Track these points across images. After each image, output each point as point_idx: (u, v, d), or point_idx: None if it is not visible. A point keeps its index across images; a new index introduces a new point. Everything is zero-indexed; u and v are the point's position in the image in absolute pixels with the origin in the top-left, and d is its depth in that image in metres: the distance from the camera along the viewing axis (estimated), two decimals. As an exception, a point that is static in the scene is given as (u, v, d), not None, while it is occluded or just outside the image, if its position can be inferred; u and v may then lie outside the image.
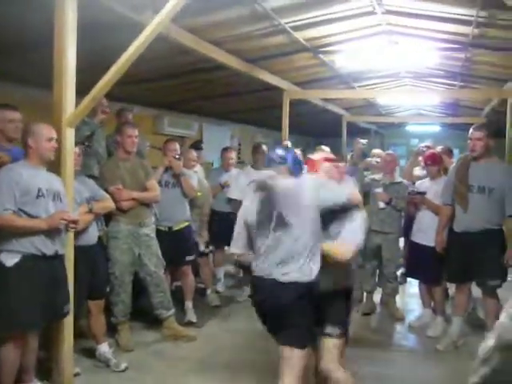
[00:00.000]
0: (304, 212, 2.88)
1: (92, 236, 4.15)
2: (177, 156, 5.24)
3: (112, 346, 4.42)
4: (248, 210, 3.12)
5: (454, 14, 4.93)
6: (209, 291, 6.03)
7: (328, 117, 11.23)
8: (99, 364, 4.23)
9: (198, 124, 9.73)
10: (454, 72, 7.73)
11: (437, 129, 15.07)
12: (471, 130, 4.65)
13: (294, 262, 2.84)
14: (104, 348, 4.29)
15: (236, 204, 6.03)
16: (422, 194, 5.18)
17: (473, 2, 4.39)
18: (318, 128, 13.50)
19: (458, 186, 4.61)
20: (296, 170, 3.15)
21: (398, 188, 5.55)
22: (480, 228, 4.47)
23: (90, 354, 4.34)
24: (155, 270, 4.76)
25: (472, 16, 4.80)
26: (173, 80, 6.60)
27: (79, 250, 3.82)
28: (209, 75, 6.54)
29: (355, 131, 12.08)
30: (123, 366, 4.19)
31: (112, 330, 4.68)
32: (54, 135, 3.43)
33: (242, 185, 5.98)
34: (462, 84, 8.49)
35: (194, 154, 5.94)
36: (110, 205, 4.32)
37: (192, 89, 7.34)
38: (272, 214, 2.91)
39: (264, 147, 6.20)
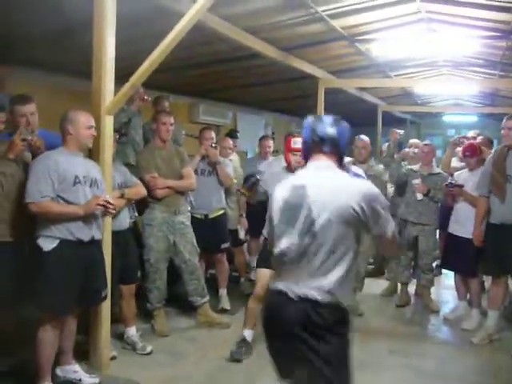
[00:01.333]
0: None
1: (123, 221, 4.23)
2: (213, 144, 5.26)
3: (140, 331, 4.48)
4: None
5: (496, 0, 4.82)
6: (242, 279, 6.08)
7: (363, 106, 11.10)
8: (128, 347, 4.32)
9: (233, 113, 9.74)
10: (493, 61, 7.55)
11: (474, 119, 14.76)
12: (504, 120, 4.56)
13: None
14: (132, 331, 4.37)
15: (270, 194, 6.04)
16: (460, 186, 5.10)
17: (516, -12, 4.28)
18: (353, 117, 13.34)
19: (495, 177, 4.52)
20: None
21: (436, 179, 5.48)
22: None
23: (122, 337, 4.43)
24: (190, 257, 4.81)
25: (513, 3, 4.69)
26: (208, 68, 6.61)
27: (111, 235, 3.88)
28: (244, 64, 6.53)
29: (391, 121, 11.93)
30: (149, 349, 4.27)
31: (148, 315, 4.77)
32: (93, 123, 3.49)
33: (275, 174, 5.98)
34: (501, 73, 8.29)
35: (230, 142, 5.96)
36: (141, 191, 4.36)
37: (227, 77, 7.35)
38: None
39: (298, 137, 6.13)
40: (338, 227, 2.15)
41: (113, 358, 4.02)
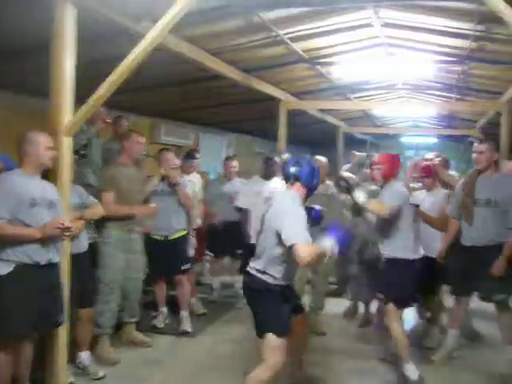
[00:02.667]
0: None
1: (82, 244, 4.14)
2: (174, 166, 5.25)
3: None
4: None
5: (452, 27, 4.98)
6: (193, 300, 5.99)
7: (324, 127, 11.26)
8: (78, 372, 4.19)
9: (195, 133, 9.75)
10: (450, 84, 7.78)
11: (433, 140, 15.10)
12: (475, 144, 4.66)
13: None
14: (84, 356, 4.26)
15: (243, 213, 6.00)
16: (416, 205, 5.17)
17: (470, 16, 4.43)
18: (314, 138, 13.55)
19: (464, 200, 4.59)
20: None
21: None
22: (487, 242, 4.40)
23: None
24: (136, 276, 4.83)
25: (469, 30, 4.85)
26: (170, 89, 6.62)
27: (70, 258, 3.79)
28: (206, 85, 6.57)
29: (351, 142, 12.11)
30: (101, 373, 4.17)
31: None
32: (52, 144, 3.43)
33: (249, 194, 5.95)
34: (458, 96, 8.55)
35: (194, 164, 5.95)
36: (100, 211, 4.28)
37: (189, 98, 7.37)
38: None
39: (276, 159, 6.11)
40: (268, 232, 3.39)
41: (70, 384, 3.91)
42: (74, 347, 4.22)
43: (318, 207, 3.74)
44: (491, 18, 4.14)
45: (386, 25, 5.33)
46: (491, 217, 4.40)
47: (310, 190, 3.53)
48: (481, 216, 4.44)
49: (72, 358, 4.22)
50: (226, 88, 6.76)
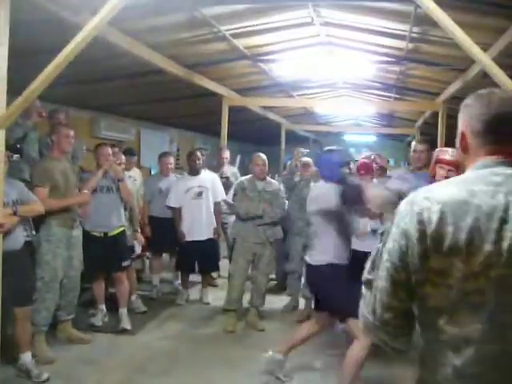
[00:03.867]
0: None
1: (17, 240, 3.99)
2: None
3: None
4: None
5: (390, 28, 5.10)
6: (133, 297, 5.91)
7: (267, 124, 11.33)
8: (21, 374, 4.06)
9: (136, 128, 9.61)
10: (389, 84, 7.98)
11: (373, 139, 15.46)
12: (414, 143, 4.80)
13: None
14: (26, 358, 4.12)
15: (175, 212, 6.00)
16: None
17: (407, 17, 4.55)
18: (257, 135, 13.60)
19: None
20: None
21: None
22: None
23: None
24: (75, 273, 4.74)
25: (406, 31, 4.98)
26: (111, 83, 6.50)
27: (4, 256, 3.66)
28: (147, 79, 6.48)
29: (294, 139, 12.24)
30: (45, 376, 4.04)
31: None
32: None
33: (179, 192, 5.97)
34: (396, 96, 8.77)
35: (123, 158, 5.86)
36: (37, 208, 4.14)
37: (130, 92, 7.25)
38: None
39: (198, 153, 6.15)
40: None
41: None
42: (13, 348, 4.11)
43: None
44: (427, 21, 4.27)
45: (327, 24, 5.41)
46: None
47: None
48: None
49: (12, 360, 4.13)
50: (168, 83, 6.69)
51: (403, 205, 1.40)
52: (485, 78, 4.97)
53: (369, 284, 1.46)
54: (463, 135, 1.46)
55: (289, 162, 7.77)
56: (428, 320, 1.36)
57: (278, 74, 7.15)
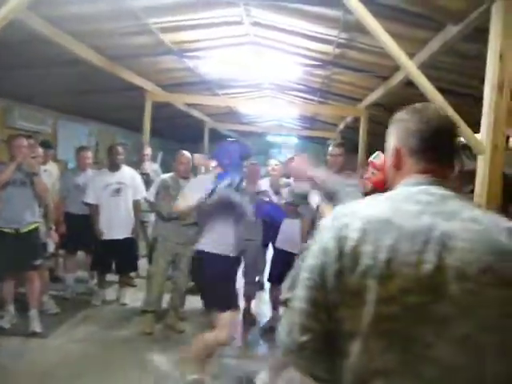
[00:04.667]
0: None
1: None
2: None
3: None
4: None
5: (318, 32, 5.13)
6: (45, 298, 5.63)
7: (191, 122, 11.21)
8: None
9: (54, 120, 9.20)
10: (313, 88, 8.07)
11: (295, 140, 15.67)
12: (331, 147, 4.82)
13: None
14: None
15: (92, 208, 5.77)
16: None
17: (336, 23, 4.58)
18: (180, 132, 13.42)
19: None
20: None
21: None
22: None
23: None
24: None
25: (334, 36, 5.02)
26: (27, 70, 6.16)
27: None
28: (67, 69, 6.20)
29: (217, 138, 12.17)
30: None
31: None
32: None
33: (97, 188, 5.74)
34: (320, 99, 8.89)
35: (39, 150, 5.58)
36: None
37: (49, 82, 6.91)
38: None
39: (119, 149, 5.94)
40: None
41: None
42: None
43: None
44: (354, 27, 4.32)
45: (256, 24, 5.38)
46: None
47: None
48: None
49: None
50: (90, 75, 6.42)
51: (327, 220, 1.32)
52: (407, 86, 5.13)
53: (287, 303, 1.37)
54: (397, 151, 1.38)
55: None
56: (343, 346, 1.24)
57: (204, 71, 7.06)
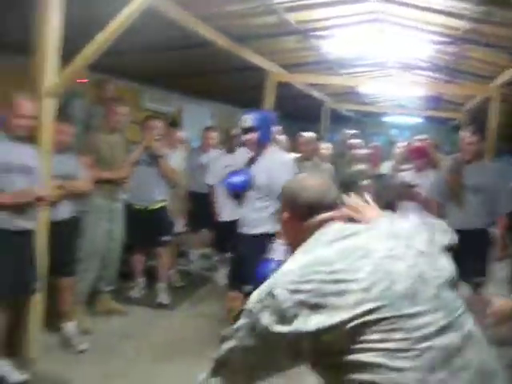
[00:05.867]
0: None
1: (63, 211, 4.01)
2: (157, 136, 5.07)
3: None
4: None
5: (449, 6, 4.85)
6: (172, 271, 5.86)
7: (309, 102, 11.09)
8: (63, 343, 4.12)
9: (179, 101, 9.53)
10: (440, 66, 7.67)
11: (417, 121, 15.06)
12: (463, 133, 4.65)
13: None
14: (69, 327, 4.17)
15: (211, 189, 5.88)
16: (414, 186, 5.09)
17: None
18: (298, 112, 13.37)
19: (452, 185, 4.63)
20: None
21: (383, 180, 5.49)
22: (472, 227, 4.47)
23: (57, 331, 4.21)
24: (116, 246, 4.76)
25: (467, 10, 4.72)
26: (157, 54, 6.38)
27: (50, 227, 3.70)
28: (194, 51, 6.34)
29: (336, 118, 12.01)
30: (84, 345, 4.06)
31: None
32: (27, 112, 3.25)
33: (217, 169, 5.77)
34: (447, 78, 8.45)
35: (178, 134, 5.76)
36: (83, 187, 4.16)
37: (175, 65, 7.13)
38: None
39: (235, 131, 5.95)
40: None
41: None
42: (56, 317, 4.14)
43: None
44: (493, 0, 4.03)
45: (383, 0, 5.18)
46: (477, 203, 4.53)
47: None
48: (467, 202, 4.53)
49: (54, 328, 4.16)
50: (213, 56, 6.54)
51: None
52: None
53: None
54: None
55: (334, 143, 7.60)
56: None
57: (326, 50, 6.92)
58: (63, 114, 4.17)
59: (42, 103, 3.37)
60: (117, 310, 4.89)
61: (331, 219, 1.59)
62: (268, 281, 1.41)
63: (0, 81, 4.30)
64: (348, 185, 5.60)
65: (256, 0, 4.80)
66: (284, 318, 1.32)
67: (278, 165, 3.77)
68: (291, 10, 5.20)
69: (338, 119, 11.85)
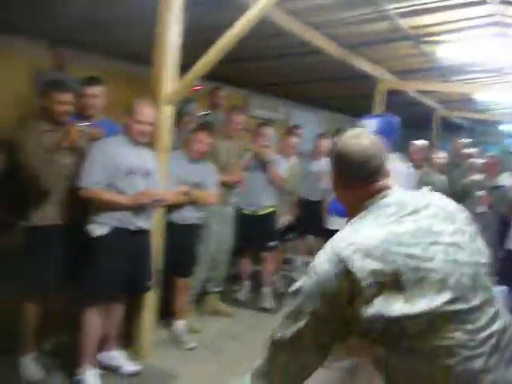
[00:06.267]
0: None
1: (186, 216, 4.22)
2: (266, 143, 5.15)
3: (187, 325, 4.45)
4: None
5: None
6: (276, 277, 5.93)
7: (419, 109, 10.78)
8: (173, 339, 4.30)
9: (286, 108, 9.61)
10: None
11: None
12: None
13: None
14: (181, 325, 4.35)
15: (325, 196, 5.84)
16: None
17: None
18: (408, 119, 13.04)
19: None
20: None
21: (500, 192, 5.23)
22: None
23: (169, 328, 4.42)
24: (226, 248, 4.91)
25: None
26: (266, 62, 6.50)
27: (170, 227, 3.97)
28: (303, 59, 6.40)
29: (447, 126, 11.59)
30: (193, 344, 4.22)
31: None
32: (148, 118, 3.42)
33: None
34: None
35: (293, 140, 5.80)
36: (208, 199, 4.32)
37: (284, 72, 7.22)
38: None
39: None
40: None
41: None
42: (169, 315, 4.36)
43: None
44: None
45: (504, 2, 4.93)
46: None
47: None
48: None
49: (166, 325, 4.39)
50: (322, 64, 6.55)
51: None
52: None
53: None
54: None
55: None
56: None
57: (439, 56, 6.71)
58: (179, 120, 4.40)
59: (161, 110, 3.54)
60: (224, 311, 5.02)
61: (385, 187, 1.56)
62: (340, 249, 1.41)
63: (124, 89, 4.55)
64: (462, 195, 5.40)
65: (368, 7, 4.76)
66: (363, 296, 1.34)
67: (398, 175, 3.65)
68: (404, 15, 5.11)
69: (449, 127, 11.42)
